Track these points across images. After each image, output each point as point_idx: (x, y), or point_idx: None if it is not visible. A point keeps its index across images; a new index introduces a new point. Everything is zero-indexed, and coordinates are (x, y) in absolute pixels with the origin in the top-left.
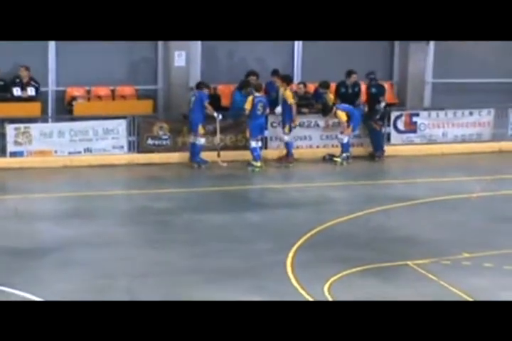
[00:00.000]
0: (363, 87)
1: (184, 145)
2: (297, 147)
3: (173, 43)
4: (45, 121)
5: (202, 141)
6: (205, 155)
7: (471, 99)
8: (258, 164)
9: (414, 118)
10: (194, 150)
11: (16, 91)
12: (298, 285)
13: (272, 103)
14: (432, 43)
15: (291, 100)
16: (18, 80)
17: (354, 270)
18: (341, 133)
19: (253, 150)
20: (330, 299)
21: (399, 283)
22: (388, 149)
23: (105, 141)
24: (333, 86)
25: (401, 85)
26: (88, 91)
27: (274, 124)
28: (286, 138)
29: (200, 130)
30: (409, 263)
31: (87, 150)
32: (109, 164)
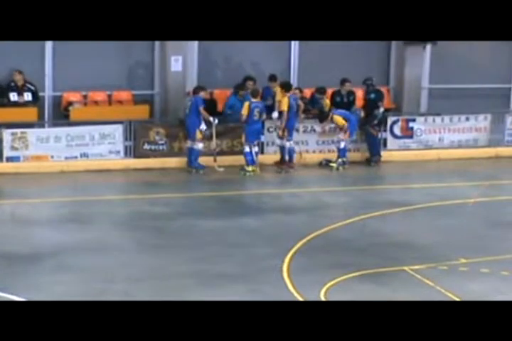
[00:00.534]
0: (360, 93)
1: (181, 151)
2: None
3: (169, 48)
4: (42, 126)
5: (200, 145)
6: (201, 160)
7: (467, 104)
8: (250, 168)
9: (411, 124)
10: (192, 156)
11: (13, 97)
12: (294, 290)
13: (269, 108)
14: (428, 48)
15: (284, 108)
16: (13, 84)
17: (351, 275)
18: (339, 135)
19: (246, 154)
20: None
21: (395, 289)
22: (384, 154)
23: (102, 146)
24: (329, 92)
25: (397, 90)
26: (85, 96)
27: (271, 129)
28: (287, 144)
29: (198, 135)
30: (405, 268)
31: (84, 155)
32: (105, 169)
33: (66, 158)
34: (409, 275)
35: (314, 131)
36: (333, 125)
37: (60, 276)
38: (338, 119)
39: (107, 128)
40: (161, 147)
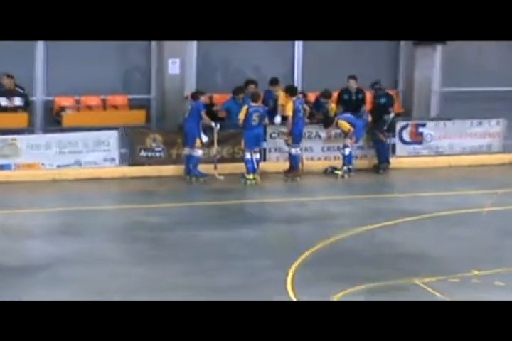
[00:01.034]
0: (369, 97)
1: (179, 158)
2: None
3: (167, 50)
4: (33, 132)
5: (199, 152)
6: (200, 167)
7: (479, 108)
8: (251, 177)
9: (421, 129)
10: (191, 163)
11: (2, 102)
12: None
13: (270, 113)
14: (438, 50)
15: (289, 113)
16: (2, 89)
17: (358, 288)
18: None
19: (247, 161)
20: None
21: None
22: (393, 161)
23: (96, 153)
24: (334, 95)
25: (407, 94)
26: (78, 101)
27: (273, 135)
28: (292, 150)
29: (197, 142)
30: (416, 281)
31: (77, 163)
32: (99, 177)
33: (58, 166)
34: (420, 288)
35: (319, 136)
36: (338, 130)
37: (53, 288)
38: (344, 124)
39: (101, 135)
40: (158, 154)
